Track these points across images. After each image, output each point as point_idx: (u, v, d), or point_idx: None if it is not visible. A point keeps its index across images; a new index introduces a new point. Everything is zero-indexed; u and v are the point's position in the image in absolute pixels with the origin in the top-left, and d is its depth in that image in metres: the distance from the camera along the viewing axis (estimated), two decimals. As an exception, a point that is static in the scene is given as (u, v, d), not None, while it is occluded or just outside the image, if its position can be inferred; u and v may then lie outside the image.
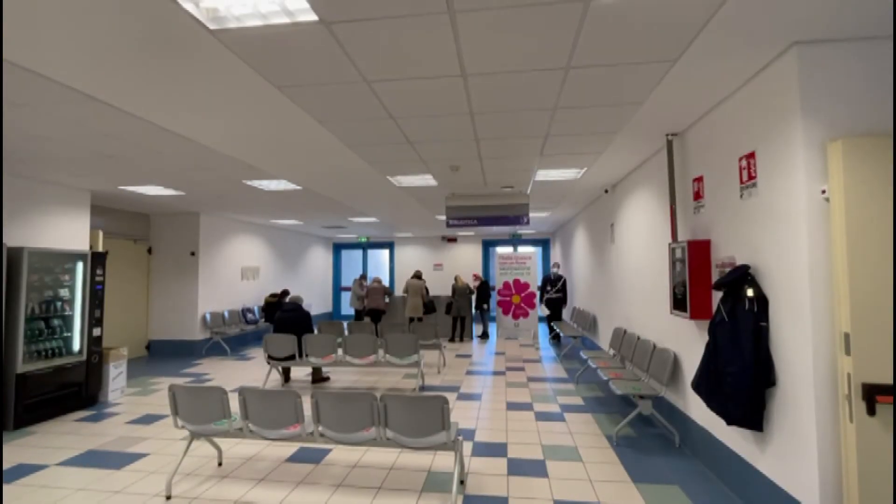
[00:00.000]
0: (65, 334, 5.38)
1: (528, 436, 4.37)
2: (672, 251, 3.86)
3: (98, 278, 5.75)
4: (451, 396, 5.73)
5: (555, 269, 10.14)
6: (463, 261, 14.57)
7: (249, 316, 10.04)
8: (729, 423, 2.92)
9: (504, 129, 3.92)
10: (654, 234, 4.70)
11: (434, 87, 3.00)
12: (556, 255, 13.65)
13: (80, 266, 5.58)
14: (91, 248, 6.12)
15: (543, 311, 9.95)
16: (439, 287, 12.78)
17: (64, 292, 5.44)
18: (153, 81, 2.86)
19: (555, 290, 9.64)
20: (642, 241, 5.15)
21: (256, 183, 5.98)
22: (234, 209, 8.44)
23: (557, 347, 9.36)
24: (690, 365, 3.73)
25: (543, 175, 5.69)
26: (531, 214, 9.03)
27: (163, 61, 2.61)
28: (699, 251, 3.51)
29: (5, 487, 3.42)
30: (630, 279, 5.66)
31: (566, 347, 8.86)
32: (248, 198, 7.09)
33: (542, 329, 11.84)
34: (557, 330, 8.97)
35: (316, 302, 13.83)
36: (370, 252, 15.57)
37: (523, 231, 13.47)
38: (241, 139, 4.12)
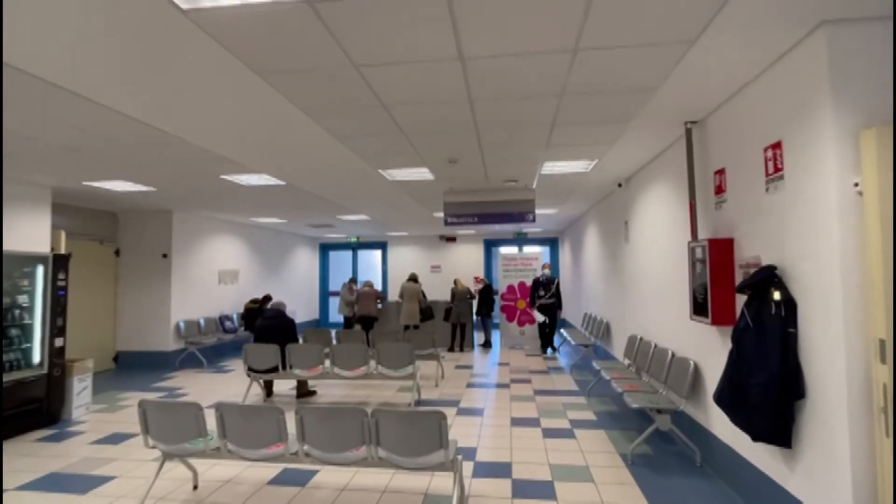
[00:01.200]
0: (23, 345, 5.36)
1: (534, 454, 4.37)
2: (692, 251, 3.87)
3: (60, 283, 5.73)
4: (449, 412, 5.72)
5: (545, 271, 9.96)
6: (463, 262, 14.59)
7: (228, 324, 10.03)
8: (754, 439, 2.93)
9: (506, 118, 3.92)
10: (672, 231, 4.71)
11: (429, 71, 3.00)
12: (565, 255, 13.68)
13: (40, 270, 5.57)
14: (52, 249, 6.10)
15: (538, 317, 9.77)
16: (437, 291, 12.77)
17: (22, 299, 5.43)
18: (119, 66, 2.85)
19: (548, 295, 9.52)
20: (659, 239, 5.16)
21: (235, 177, 5.98)
22: (210, 206, 8.43)
23: (560, 356, 9.37)
24: (712, 375, 3.73)
25: (550, 168, 5.70)
26: (537, 211, 9.00)
27: (130, 44, 2.60)
28: (721, 251, 3.52)
29: (-42, 515, 3.41)
30: (646, 282, 5.68)
31: (577, 358, 8.87)
32: (226, 194, 7.09)
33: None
34: (566, 337, 8.97)
35: (301, 308, 13.83)
36: (361, 253, 15.59)
37: (529, 229, 13.50)
38: (218, 130, 4.11)
